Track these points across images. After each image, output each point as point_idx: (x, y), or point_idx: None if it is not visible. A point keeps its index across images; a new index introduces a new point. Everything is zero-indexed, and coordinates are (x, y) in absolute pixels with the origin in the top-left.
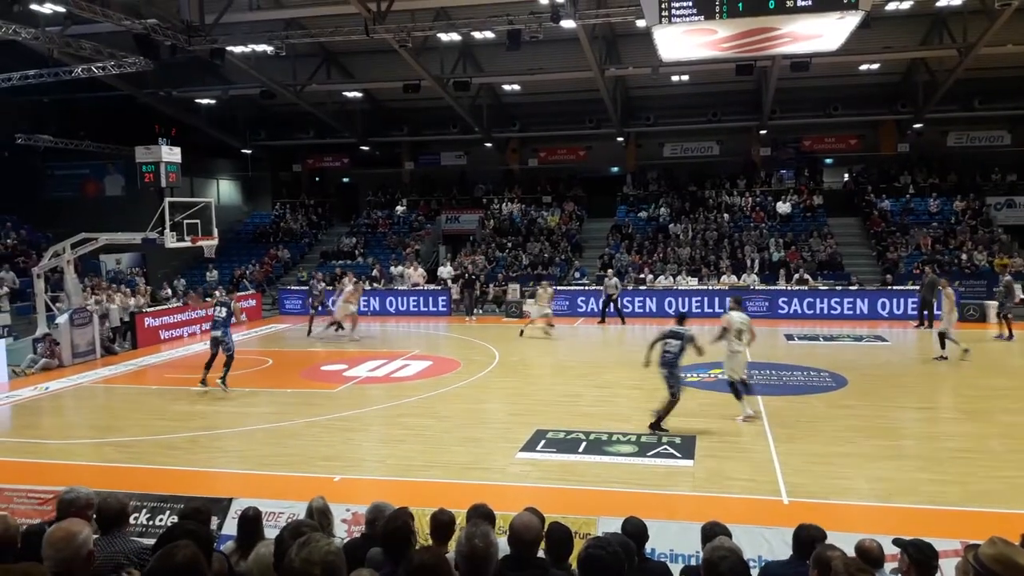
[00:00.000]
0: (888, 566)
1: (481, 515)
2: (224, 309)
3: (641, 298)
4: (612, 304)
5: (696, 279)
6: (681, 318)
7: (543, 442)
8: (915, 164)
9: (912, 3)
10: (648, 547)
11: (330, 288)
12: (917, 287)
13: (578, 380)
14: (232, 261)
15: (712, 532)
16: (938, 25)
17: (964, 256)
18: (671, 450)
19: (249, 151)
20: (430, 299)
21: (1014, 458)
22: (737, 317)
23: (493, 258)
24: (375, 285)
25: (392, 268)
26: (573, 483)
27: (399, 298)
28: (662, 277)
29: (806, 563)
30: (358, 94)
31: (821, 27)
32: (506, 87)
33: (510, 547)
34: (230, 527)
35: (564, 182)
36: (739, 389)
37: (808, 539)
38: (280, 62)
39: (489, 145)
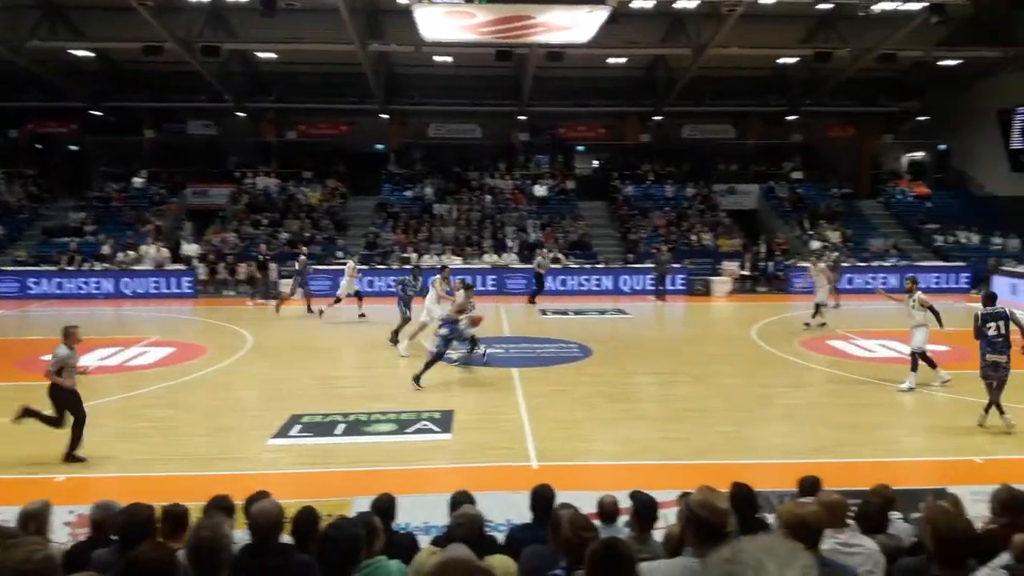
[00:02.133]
0: (623, 518)
1: (218, 507)
2: None
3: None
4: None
5: (460, 258)
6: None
7: (298, 427)
8: (655, 154)
9: (654, 2)
10: (402, 521)
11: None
12: (653, 265)
13: (338, 362)
14: None
15: (457, 501)
16: (676, 25)
17: (694, 237)
18: (430, 425)
19: None
20: (173, 280)
21: (730, 416)
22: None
23: (246, 236)
24: (107, 266)
25: (129, 250)
26: (330, 466)
27: (137, 280)
28: (427, 256)
29: (546, 523)
30: (89, 53)
31: (572, 19)
32: (261, 55)
33: (251, 535)
34: None
35: (326, 157)
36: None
37: (542, 499)
38: None
39: (242, 115)
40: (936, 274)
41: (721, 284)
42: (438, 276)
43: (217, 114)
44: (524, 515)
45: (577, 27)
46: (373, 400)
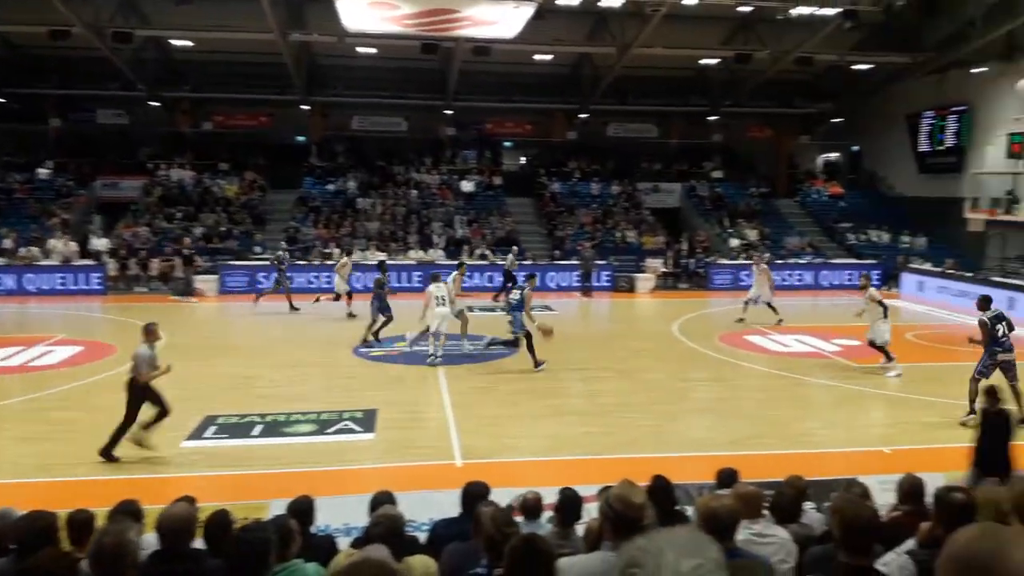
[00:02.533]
0: (547, 514)
1: (124, 512)
2: None
3: (328, 273)
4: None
5: (385, 254)
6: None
7: (213, 428)
8: (581, 151)
9: (580, 1)
10: (322, 523)
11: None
12: (578, 261)
13: (256, 361)
14: None
15: (377, 502)
16: (601, 23)
17: (619, 234)
18: (352, 425)
19: None
20: (81, 276)
21: (653, 410)
22: (434, 288)
23: (159, 229)
24: (9, 261)
25: (32, 245)
26: (247, 468)
27: (42, 275)
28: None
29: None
30: None
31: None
32: (176, 42)
33: (159, 541)
34: None
35: (244, 149)
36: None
37: (472, 496)
38: None
39: (156, 104)
40: (848, 271)
41: (645, 281)
42: (455, 273)
43: (129, 103)
44: (446, 513)
45: (503, 22)
46: (293, 400)
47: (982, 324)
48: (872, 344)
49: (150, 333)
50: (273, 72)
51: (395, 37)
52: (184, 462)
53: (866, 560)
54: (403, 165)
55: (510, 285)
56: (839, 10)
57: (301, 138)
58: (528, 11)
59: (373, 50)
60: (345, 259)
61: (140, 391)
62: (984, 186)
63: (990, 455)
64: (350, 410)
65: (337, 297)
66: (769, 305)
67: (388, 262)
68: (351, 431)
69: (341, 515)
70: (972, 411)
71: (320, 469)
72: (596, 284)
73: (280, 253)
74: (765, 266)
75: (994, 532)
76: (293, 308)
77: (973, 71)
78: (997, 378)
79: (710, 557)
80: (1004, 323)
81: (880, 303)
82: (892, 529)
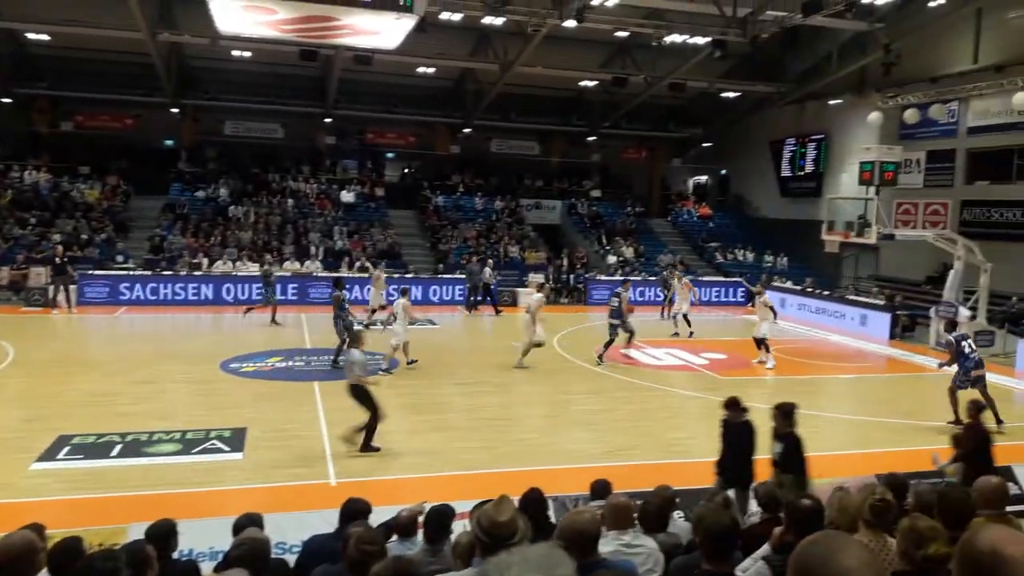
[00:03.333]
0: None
1: None
2: None
3: (196, 284)
4: (488, 293)
5: (258, 265)
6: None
7: (67, 449)
8: (465, 165)
9: (462, 15)
10: (186, 547)
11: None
12: (463, 276)
13: (116, 377)
14: None
15: (240, 525)
16: (484, 41)
17: (502, 249)
18: (219, 444)
19: None
20: None
21: (531, 423)
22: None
23: (10, 236)
24: None
25: None
26: (104, 491)
27: None
28: (220, 262)
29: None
30: None
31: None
32: (31, 35)
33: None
34: None
35: (107, 152)
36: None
37: (351, 512)
38: None
39: (8, 101)
40: (716, 287)
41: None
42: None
43: None
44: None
45: (384, 33)
46: (155, 418)
47: (949, 344)
48: (757, 340)
49: (361, 341)
50: (140, 72)
51: (272, 42)
52: (33, 486)
53: (727, 566)
54: (279, 173)
55: (489, 299)
56: (709, 39)
57: (170, 142)
58: (409, 23)
59: (248, 54)
60: (378, 272)
61: (360, 391)
62: (839, 210)
63: (733, 466)
64: (218, 428)
65: (374, 311)
66: (685, 318)
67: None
68: (218, 451)
69: (206, 539)
70: (957, 420)
71: (184, 491)
72: (480, 299)
73: (266, 267)
74: (687, 279)
75: (827, 539)
76: (274, 322)
77: (830, 102)
78: (972, 392)
79: (560, 573)
80: (968, 341)
81: (771, 308)
82: (757, 537)
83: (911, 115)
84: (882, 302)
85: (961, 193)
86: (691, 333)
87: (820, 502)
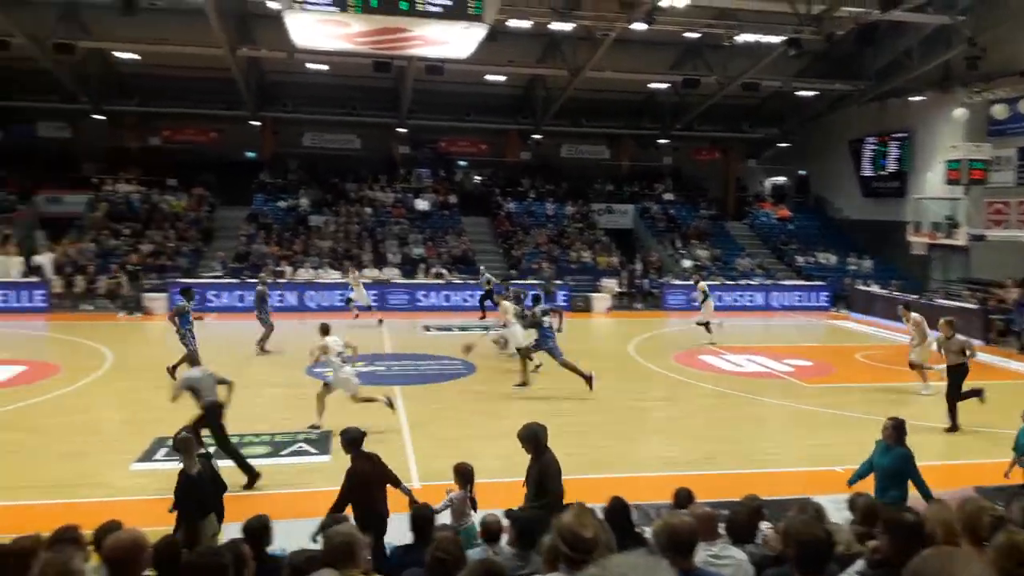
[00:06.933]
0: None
1: (64, 540)
2: None
3: (280, 292)
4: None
5: (338, 272)
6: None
7: (164, 450)
8: (535, 171)
9: (531, 23)
10: (278, 547)
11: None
12: (537, 281)
13: None
14: None
15: (326, 525)
16: (553, 47)
17: (573, 254)
18: (307, 447)
19: None
20: (24, 293)
21: (610, 430)
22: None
23: (105, 246)
24: None
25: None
26: None
27: None
28: (302, 269)
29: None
30: None
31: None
32: (121, 55)
33: (106, 570)
34: None
35: (192, 165)
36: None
37: (421, 519)
38: None
39: (101, 118)
40: (798, 292)
41: (600, 300)
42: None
43: (71, 116)
44: (407, 536)
45: (455, 42)
46: (246, 421)
47: None
48: (911, 364)
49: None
50: (222, 87)
51: (347, 54)
52: (133, 486)
53: None
54: (356, 183)
55: (489, 303)
56: (783, 38)
57: (251, 154)
58: (480, 32)
59: (324, 67)
60: (357, 274)
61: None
62: (926, 210)
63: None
64: (305, 432)
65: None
66: (706, 326)
67: (342, 280)
68: (307, 453)
69: (295, 540)
70: None
71: (274, 492)
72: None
73: (260, 288)
74: (704, 285)
75: (943, 554)
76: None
77: (912, 99)
78: None
79: None
80: None
81: (922, 328)
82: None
83: (1000, 110)
84: (975, 306)
85: None
86: (712, 343)
87: (920, 516)
